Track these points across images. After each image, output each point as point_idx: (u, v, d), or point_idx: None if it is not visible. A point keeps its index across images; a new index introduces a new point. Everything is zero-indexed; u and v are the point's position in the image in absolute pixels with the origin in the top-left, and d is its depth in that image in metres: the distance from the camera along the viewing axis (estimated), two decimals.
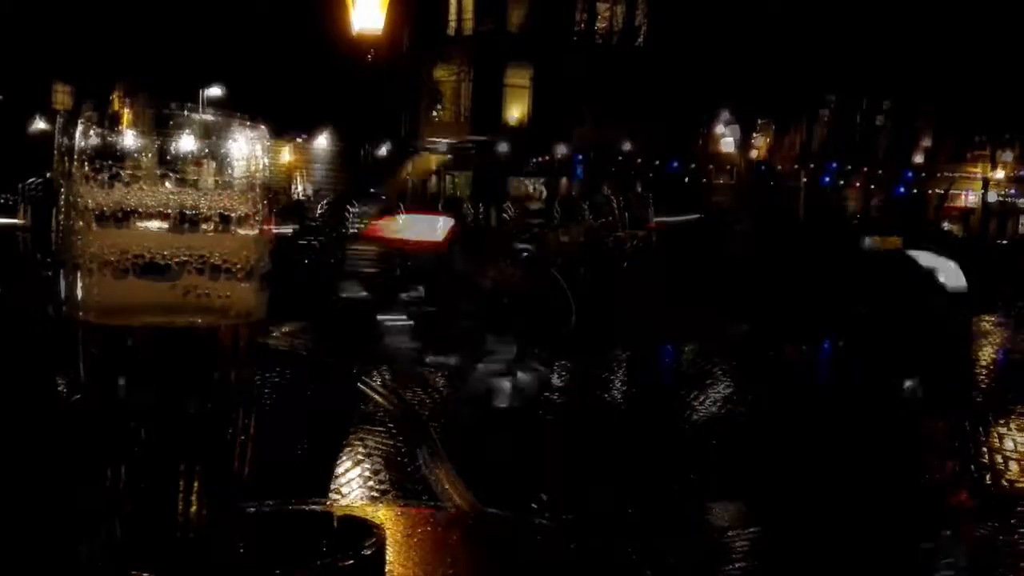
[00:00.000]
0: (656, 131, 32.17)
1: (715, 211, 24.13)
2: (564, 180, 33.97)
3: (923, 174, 40.55)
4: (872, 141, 40.03)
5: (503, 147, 32.11)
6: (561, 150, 32.73)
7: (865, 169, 39.04)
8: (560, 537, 0.99)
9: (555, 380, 7.75)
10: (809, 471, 5.08)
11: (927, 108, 35.24)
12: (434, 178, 35.82)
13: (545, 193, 27.03)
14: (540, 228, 11.03)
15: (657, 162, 33.54)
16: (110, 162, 0.48)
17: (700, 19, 29.15)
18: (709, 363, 8.18)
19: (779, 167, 37.29)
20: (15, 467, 1.23)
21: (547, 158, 33.05)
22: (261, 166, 0.51)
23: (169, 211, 0.49)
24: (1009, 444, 5.97)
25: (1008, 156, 40.92)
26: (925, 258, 12.27)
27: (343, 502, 4.33)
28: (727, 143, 34.21)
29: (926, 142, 40.17)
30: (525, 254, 10.01)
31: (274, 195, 0.54)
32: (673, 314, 10.45)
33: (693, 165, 35.35)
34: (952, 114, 33.47)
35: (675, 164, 34.40)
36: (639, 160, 33.31)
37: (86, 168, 0.49)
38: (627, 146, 33.41)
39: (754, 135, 33.39)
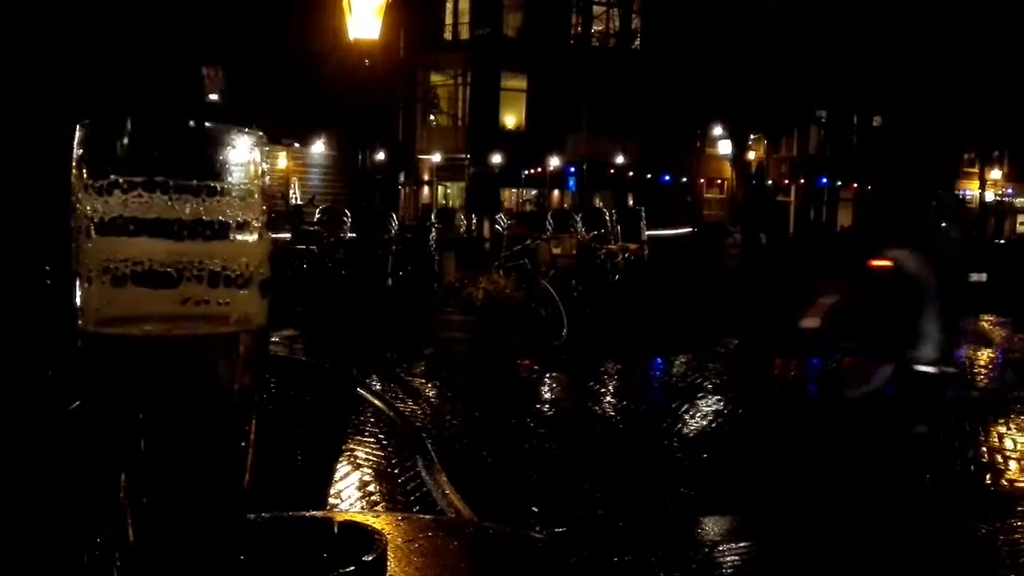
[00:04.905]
0: (651, 138, 32.18)
1: (708, 225, 24.28)
2: (556, 192, 33.99)
3: None
4: (867, 147, 40.11)
5: (497, 158, 32.07)
6: (554, 162, 32.73)
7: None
8: (560, 549, 0.99)
9: (546, 391, 7.75)
10: (803, 481, 5.08)
11: (919, 121, 35.30)
12: (426, 188, 35.81)
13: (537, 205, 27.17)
14: (533, 240, 11.10)
15: (649, 175, 33.54)
16: (109, 168, 0.48)
17: (696, 21, 29.18)
18: (700, 375, 8.19)
19: (783, 169, 37.33)
20: (16, 473, 1.23)
21: (540, 170, 33.06)
22: (260, 172, 0.51)
23: (168, 218, 0.48)
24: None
25: (996, 174, 41.51)
26: None
27: (342, 507, 4.31)
28: (724, 145, 34.21)
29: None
30: (518, 265, 10.08)
31: (272, 200, 0.53)
32: (664, 326, 10.51)
33: (685, 179, 35.36)
34: (942, 129, 33.43)
35: (667, 178, 34.39)
36: (631, 173, 33.31)
37: (84, 174, 0.49)
38: (620, 158, 33.43)
39: (751, 138, 33.40)
